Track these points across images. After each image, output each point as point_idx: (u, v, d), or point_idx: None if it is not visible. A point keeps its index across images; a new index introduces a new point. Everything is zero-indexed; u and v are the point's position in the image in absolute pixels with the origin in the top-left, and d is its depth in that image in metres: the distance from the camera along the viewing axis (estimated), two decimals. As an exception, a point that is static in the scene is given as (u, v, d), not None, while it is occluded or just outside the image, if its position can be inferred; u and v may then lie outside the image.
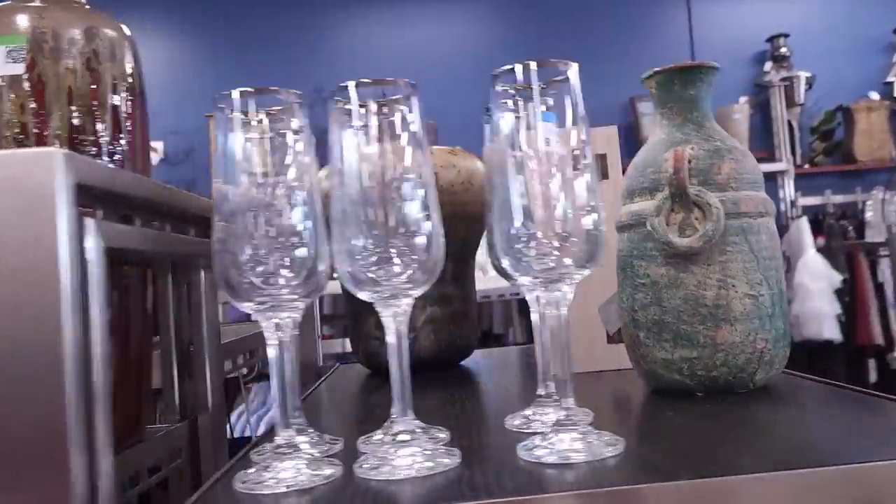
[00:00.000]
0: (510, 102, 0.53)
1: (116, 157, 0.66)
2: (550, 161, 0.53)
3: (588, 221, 0.52)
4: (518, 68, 0.52)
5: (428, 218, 0.53)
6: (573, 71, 0.54)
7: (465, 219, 0.99)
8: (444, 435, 0.59)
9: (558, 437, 0.52)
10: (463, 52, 4.18)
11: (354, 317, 1.03)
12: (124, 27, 0.72)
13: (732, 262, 0.66)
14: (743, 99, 4.02)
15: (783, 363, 0.69)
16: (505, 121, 0.53)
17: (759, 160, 3.61)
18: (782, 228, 3.90)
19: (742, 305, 0.66)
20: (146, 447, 0.69)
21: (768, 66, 4.07)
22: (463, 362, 1.07)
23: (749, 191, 0.68)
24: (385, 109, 0.54)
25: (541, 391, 0.63)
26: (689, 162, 0.68)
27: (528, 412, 0.62)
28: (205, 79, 3.99)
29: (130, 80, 0.69)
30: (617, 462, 0.49)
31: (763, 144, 4.04)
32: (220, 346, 0.82)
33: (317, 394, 0.94)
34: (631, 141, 4.00)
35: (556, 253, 0.52)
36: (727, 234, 0.66)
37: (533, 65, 0.52)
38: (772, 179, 3.95)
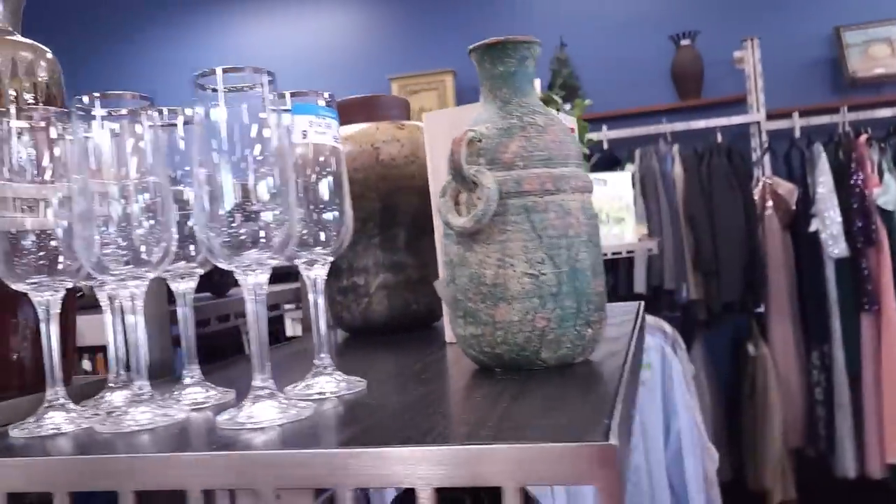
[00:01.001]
0: (210, 101, 0.58)
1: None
2: (241, 158, 0.58)
3: (268, 216, 0.57)
4: (207, 72, 0.58)
5: (153, 218, 0.60)
6: (263, 78, 0.58)
7: (413, 191, 1.03)
8: (229, 396, 0.68)
9: (249, 406, 0.58)
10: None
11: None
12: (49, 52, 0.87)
13: (511, 241, 0.66)
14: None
15: (581, 343, 0.68)
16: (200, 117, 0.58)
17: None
18: None
19: (520, 284, 0.66)
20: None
21: None
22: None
23: (539, 168, 0.67)
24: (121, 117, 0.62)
25: (317, 361, 0.68)
26: (479, 141, 0.68)
27: (307, 380, 0.68)
28: (387, 40, 4.20)
29: (37, 90, 0.84)
30: (274, 430, 0.54)
31: None
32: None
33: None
34: (837, 79, 3.61)
35: (243, 244, 0.57)
36: (508, 214, 0.66)
37: (219, 70, 0.57)
38: None
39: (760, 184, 3.42)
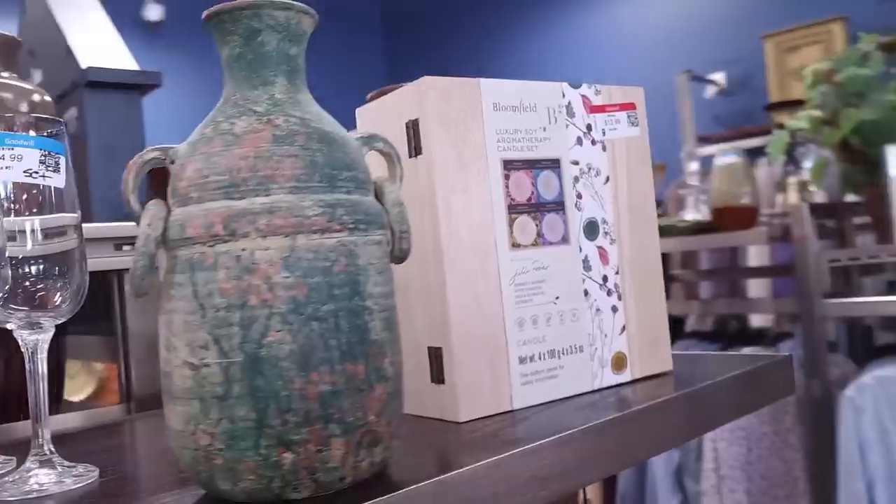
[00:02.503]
0: None
1: None
2: None
3: None
4: None
5: None
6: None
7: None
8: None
9: None
10: None
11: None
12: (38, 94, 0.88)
13: (175, 313, 0.45)
14: None
15: (276, 475, 0.42)
16: None
17: None
18: None
19: (181, 379, 0.44)
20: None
21: None
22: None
23: (215, 201, 0.44)
24: None
25: (39, 443, 0.54)
26: (172, 163, 0.47)
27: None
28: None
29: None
30: None
31: None
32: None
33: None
34: None
35: None
36: (175, 272, 0.45)
37: None
38: None
39: None
